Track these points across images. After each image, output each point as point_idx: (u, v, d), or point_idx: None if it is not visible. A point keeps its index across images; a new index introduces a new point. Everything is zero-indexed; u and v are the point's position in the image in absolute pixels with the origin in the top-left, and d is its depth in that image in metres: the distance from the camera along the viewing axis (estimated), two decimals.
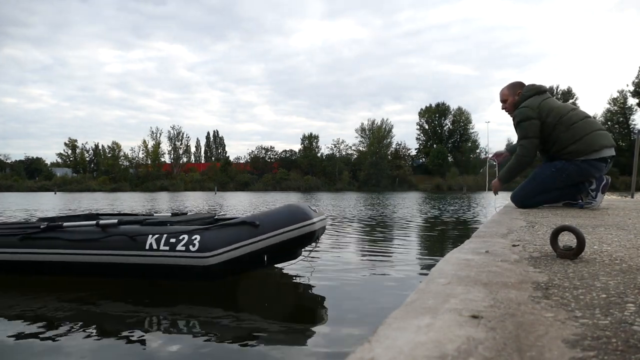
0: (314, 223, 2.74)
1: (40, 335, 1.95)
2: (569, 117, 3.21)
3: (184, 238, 2.62)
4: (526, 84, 3.46)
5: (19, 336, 1.95)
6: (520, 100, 3.33)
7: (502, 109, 3.49)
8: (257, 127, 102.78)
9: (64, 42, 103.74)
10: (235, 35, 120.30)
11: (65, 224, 2.86)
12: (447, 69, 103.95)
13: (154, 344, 1.87)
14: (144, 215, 3.54)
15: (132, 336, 1.94)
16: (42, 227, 2.84)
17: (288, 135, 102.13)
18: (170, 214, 3.41)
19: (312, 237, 2.80)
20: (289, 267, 3.21)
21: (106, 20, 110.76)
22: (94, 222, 2.83)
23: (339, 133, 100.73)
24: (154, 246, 2.62)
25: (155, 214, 3.53)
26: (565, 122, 3.20)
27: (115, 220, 2.82)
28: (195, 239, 2.60)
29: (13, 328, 2.05)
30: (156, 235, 2.66)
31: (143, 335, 1.96)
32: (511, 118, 3.44)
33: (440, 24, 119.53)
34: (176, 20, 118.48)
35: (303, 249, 3.09)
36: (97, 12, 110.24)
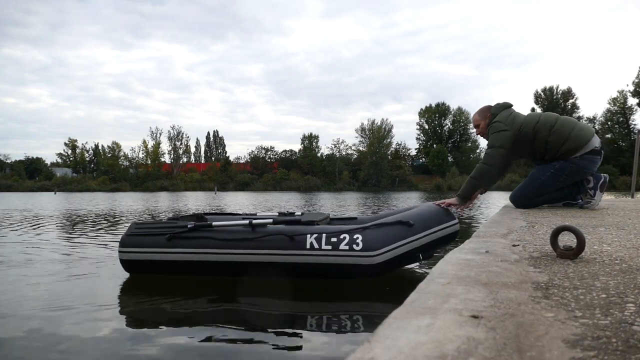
0: (457, 224, 2.89)
1: (187, 335, 1.96)
2: (544, 122, 3.27)
3: (345, 237, 2.69)
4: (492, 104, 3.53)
5: (169, 337, 1.95)
6: (491, 119, 3.39)
7: (477, 134, 3.54)
8: (257, 127, 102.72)
9: (63, 42, 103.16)
10: (235, 35, 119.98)
11: (214, 223, 2.89)
12: (446, 69, 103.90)
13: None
14: (248, 215, 3.53)
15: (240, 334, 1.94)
16: (189, 226, 2.86)
17: (288, 135, 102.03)
18: (277, 214, 3.39)
19: (455, 237, 2.92)
20: None
21: (105, 20, 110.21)
22: (246, 221, 2.87)
23: (339, 133, 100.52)
24: (315, 245, 2.69)
25: (258, 214, 3.52)
26: (542, 127, 3.25)
27: (270, 220, 2.88)
28: (357, 238, 2.68)
29: (161, 327, 2.08)
30: (315, 235, 2.72)
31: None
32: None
33: (438, 24, 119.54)
34: (175, 20, 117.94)
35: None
36: (96, 12, 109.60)
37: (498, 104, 3.47)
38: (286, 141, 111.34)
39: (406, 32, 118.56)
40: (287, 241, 2.71)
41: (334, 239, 2.69)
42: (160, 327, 2.09)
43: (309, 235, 2.72)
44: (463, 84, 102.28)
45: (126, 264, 2.95)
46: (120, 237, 3.11)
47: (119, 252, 2.93)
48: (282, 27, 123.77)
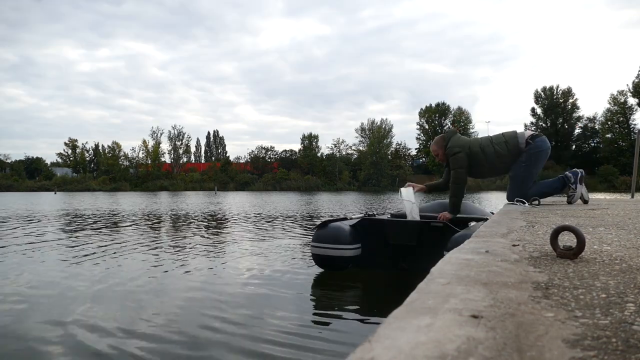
0: None
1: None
2: (483, 140, 3.98)
3: None
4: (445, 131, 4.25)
5: None
6: (446, 144, 3.99)
7: (438, 161, 4.15)
8: (244, 127, 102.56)
9: (27, 41, 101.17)
10: (201, 33, 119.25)
11: None
12: (423, 67, 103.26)
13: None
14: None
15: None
16: None
17: (277, 134, 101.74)
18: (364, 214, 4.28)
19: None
20: (290, 267, 3.21)
21: (65, 18, 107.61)
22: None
23: (329, 133, 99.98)
24: None
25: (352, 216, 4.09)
26: (485, 143, 3.92)
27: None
28: None
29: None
30: None
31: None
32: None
33: (406, 20, 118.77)
34: (136, 19, 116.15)
35: None
36: (52, 10, 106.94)
37: (447, 131, 4.15)
38: (277, 140, 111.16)
39: (373, 29, 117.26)
40: None
41: None
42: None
43: None
44: (443, 82, 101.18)
45: None
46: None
47: None
48: (246, 25, 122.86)
